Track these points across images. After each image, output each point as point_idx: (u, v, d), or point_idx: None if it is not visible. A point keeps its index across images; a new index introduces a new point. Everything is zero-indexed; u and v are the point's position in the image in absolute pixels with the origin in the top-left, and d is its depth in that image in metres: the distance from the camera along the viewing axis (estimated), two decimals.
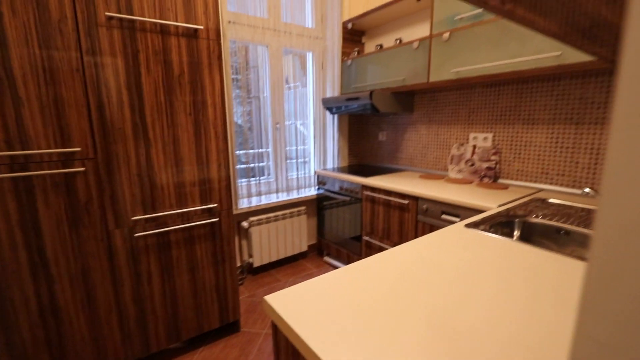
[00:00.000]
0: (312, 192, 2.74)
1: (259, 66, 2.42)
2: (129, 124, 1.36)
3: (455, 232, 1.11)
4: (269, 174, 2.56)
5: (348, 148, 2.97)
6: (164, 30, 1.40)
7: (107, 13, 1.26)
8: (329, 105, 2.61)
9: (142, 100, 1.39)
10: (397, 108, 2.39)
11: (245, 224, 2.37)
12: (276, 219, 2.50)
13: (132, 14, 1.32)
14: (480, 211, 1.52)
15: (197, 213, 1.59)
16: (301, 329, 0.61)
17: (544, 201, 1.52)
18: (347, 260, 2.50)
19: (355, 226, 2.37)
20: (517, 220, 1.29)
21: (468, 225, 1.18)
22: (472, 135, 2.11)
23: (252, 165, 2.40)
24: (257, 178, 2.43)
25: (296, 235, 2.65)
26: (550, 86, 1.71)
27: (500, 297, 0.71)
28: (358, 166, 2.87)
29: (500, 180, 1.98)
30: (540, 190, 1.76)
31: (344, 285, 0.76)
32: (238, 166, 2.34)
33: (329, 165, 2.84)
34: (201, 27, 1.47)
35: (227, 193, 1.67)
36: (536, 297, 0.71)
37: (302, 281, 2.38)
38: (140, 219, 1.43)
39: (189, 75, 1.49)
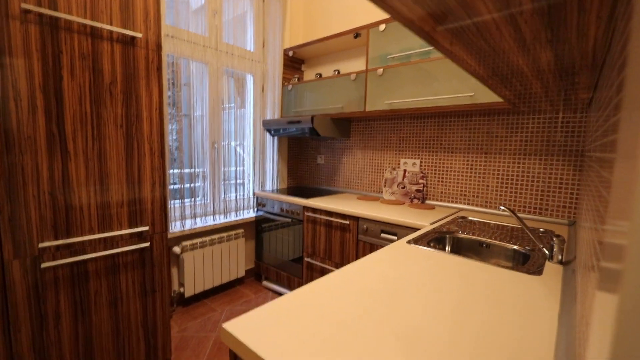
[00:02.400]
0: (250, 214, 2.65)
1: (191, 84, 2.31)
2: (42, 132, 1.16)
3: (400, 249, 1.19)
4: (204, 195, 2.41)
5: (287, 170, 2.99)
6: (95, 34, 1.26)
7: (23, 5, 1.09)
8: (269, 127, 2.61)
9: (62, 107, 1.20)
10: (336, 133, 2.52)
11: (177, 249, 2.15)
12: (212, 242, 2.33)
13: (55, 10, 1.16)
14: (415, 229, 1.66)
15: (124, 237, 1.39)
16: (272, 356, 0.57)
17: (465, 219, 1.74)
18: (288, 284, 2.44)
19: (295, 248, 2.35)
20: (448, 236, 1.44)
21: (409, 242, 1.27)
22: (402, 160, 2.33)
23: (182, 186, 2.22)
24: (191, 199, 2.26)
25: (233, 260, 2.50)
26: (465, 121, 2.02)
27: (459, 305, 0.78)
28: (297, 188, 2.89)
29: (428, 201, 2.21)
30: (461, 209, 2.01)
31: (306, 306, 0.75)
32: (170, 186, 2.14)
33: (268, 187, 2.80)
34: (140, 35, 1.37)
35: (162, 215, 1.51)
36: (487, 303, 0.80)
37: (240, 309, 2.25)
38: (49, 246, 1.19)
39: (122, 84, 1.35)
